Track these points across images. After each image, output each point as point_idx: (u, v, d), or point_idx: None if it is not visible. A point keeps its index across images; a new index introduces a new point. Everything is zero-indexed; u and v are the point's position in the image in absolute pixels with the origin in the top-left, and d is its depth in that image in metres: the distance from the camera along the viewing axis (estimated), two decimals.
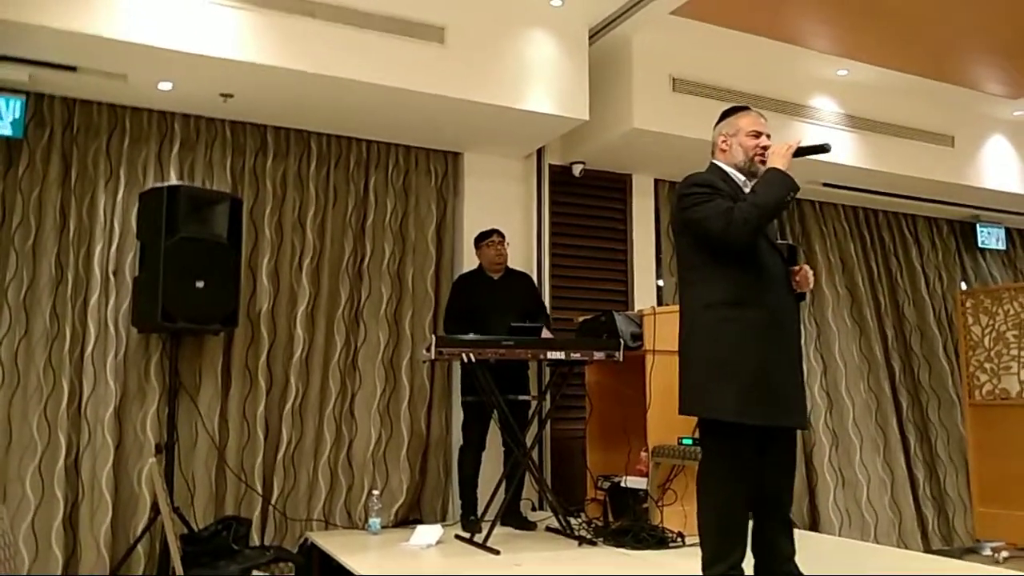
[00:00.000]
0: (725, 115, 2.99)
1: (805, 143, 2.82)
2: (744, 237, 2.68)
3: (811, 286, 2.93)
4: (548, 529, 4.38)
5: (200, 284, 4.04)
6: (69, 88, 4.19)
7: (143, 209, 4.20)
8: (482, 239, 4.75)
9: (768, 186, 2.71)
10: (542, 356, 4.22)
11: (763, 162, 2.82)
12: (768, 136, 2.90)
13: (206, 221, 4.16)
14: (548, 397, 4.67)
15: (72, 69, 3.95)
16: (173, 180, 4.40)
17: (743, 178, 2.88)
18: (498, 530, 4.06)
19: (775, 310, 2.77)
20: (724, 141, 2.93)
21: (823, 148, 2.84)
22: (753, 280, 2.75)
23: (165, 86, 4.18)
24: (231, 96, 4.31)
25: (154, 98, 4.34)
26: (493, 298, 4.63)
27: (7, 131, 4.00)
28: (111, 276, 4.25)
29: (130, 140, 4.40)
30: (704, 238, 2.77)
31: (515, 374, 4.55)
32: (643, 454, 4.35)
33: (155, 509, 3.99)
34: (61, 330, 4.12)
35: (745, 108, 2.99)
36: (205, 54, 3.84)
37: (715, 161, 2.95)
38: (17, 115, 4.01)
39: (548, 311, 4.99)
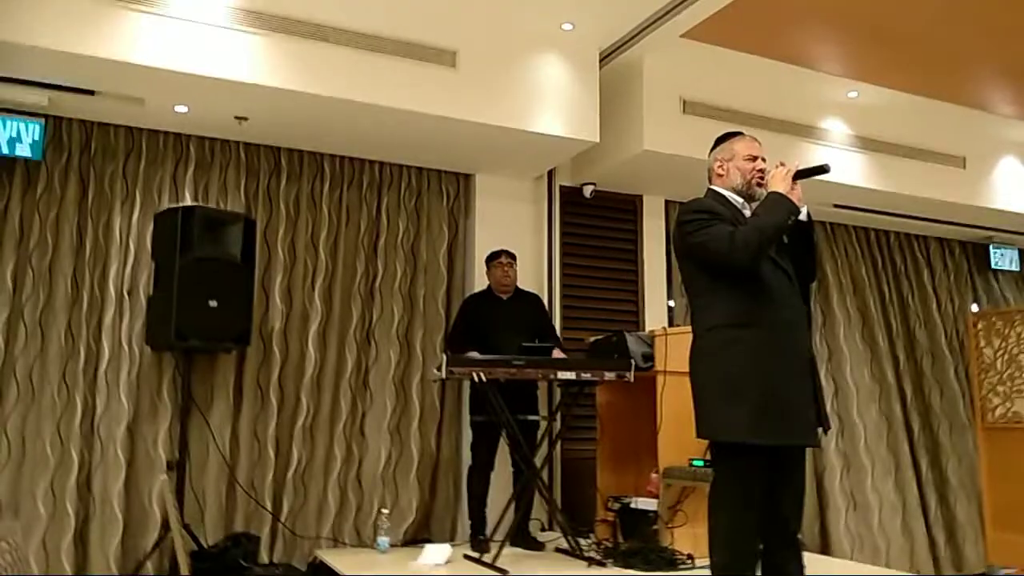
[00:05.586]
0: (719, 141, 3.02)
1: (804, 166, 2.83)
2: (747, 261, 2.70)
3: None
4: (557, 550, 4.36)
5: (213, 303, 4.08)
6: (87, 111, 4.27)
7: (158, 229, 4.26)
8: (491, 259, 4.78)
9: (769, 209, 2.73)
10: (552, 376, 4.23)
11: (761, 185, 2.84)
12: (764, 160, 2.92)
13: (220, 241, 4.21)
14: (558, 417, 4.67)
15: (90, 93, 4.03)
16: (188, 201, 4.46)
17: (741, 200, 2.90)
18: (507, 550, 4.06)
19: (781, 328, 2.76)
20: (720, 166, 2.96)
21: (823, 169, 2.85)
22: (757, 299, 2.75)
23: (181, 109, 4.25)
24: (246, 119, 4.37)
25: (170, 121, 4.41)
26: (501, 318, 4.63)
27: (26, 153, 4.07)
28: (126, 295, 4.31)
29: (146, 162, 4.47)
30: (706, 262, 2.79)
31: (524, 394, 4.54)
32: (654, 475, 4.35)
33: (165, 526, 4.01)
34: (76, 348, 4.17)
35: (739, 133, 3.02)
36: (221, 78, 3.91)
37: (712, 187, 2.98)
38: (36, 138, 4.09)
39: (559, 331, 4.99)
